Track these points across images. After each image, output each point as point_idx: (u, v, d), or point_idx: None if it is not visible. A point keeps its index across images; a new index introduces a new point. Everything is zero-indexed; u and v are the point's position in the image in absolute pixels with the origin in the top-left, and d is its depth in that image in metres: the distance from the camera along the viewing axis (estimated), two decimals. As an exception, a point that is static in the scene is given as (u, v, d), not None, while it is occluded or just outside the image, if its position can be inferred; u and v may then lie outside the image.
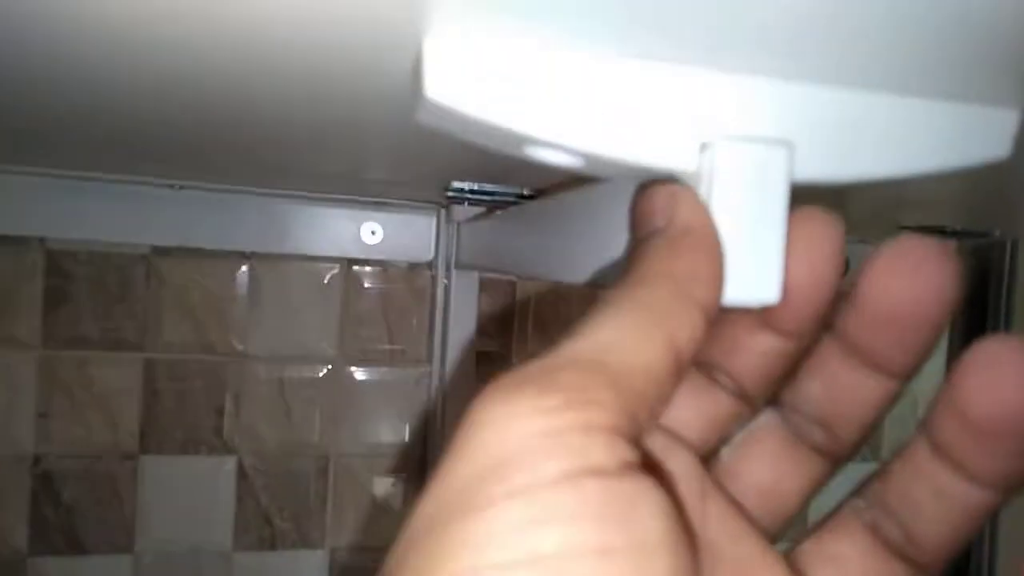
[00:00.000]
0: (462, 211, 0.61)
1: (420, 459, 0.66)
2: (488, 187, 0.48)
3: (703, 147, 0.20)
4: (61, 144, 0.42)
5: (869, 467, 0.19)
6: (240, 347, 0.63)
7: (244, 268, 0.62)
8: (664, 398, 0.15)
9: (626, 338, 0.15)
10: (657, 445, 0.17)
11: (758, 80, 0.20)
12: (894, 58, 0.19)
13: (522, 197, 0.50)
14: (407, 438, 0.66)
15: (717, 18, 0.17)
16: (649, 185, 0.19)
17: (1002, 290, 0.66)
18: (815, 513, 0.20)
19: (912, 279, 0.16)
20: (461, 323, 0.63)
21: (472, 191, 0.47)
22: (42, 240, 0.58)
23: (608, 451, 0.13)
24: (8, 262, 0.57)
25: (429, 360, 0.66)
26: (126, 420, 0.60)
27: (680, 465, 0.17)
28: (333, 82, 0.24)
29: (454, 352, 0.63)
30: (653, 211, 0.17)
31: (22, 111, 0.33)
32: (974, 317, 0.77)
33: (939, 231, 0.60)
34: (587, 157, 0.20)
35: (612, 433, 0.13)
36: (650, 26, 0.18)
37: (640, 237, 0.17)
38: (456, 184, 0.46)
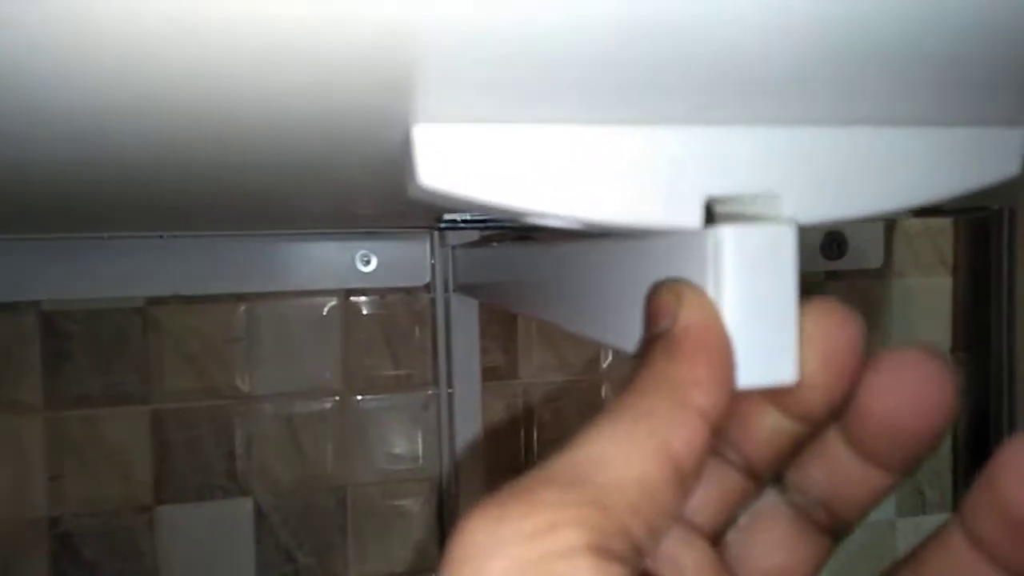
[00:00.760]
0: (456, 234, 0.60)
1: (436, 481, 0.66)
2: (480, 216, 0.47)
3: (708, 226, 0.20)
4: (49, 212, 0.42)
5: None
6: (245, 388, 0.62)
7: (241, 309, 0.62)
8: (666, 509, 0.14)
9: (619, 449, 0.14)
10: (674, 536, 0.17)
11: (756, 129, 0.20)
12: (895, 91, 0.19)
13: (515, 225, 0.50)
14: (421, 462, 0.66)
15: (705, 78, 0.16)
16: (658, 284, 0.18)
17: (1002, 262, 0.66)
18: None
19: (913, 394, 0.16)
20: (464, 342, 0.63)
21: (464, 220, 0.47)
22: (36, 303, 0.57)
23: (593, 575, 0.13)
24: (5, 327, 0.57)
25: (435, 382, 0.66)
26: (138, 472, 0.60)
27: (696, 558, 0.17)
28: (327, 152, 0.24)
29: (459, 372, 0.63)
30: (659, 311, 0.17)
31: (11, 190, 0.32)
32: (976, 290, 0.77)
33: (936, 210, 0.59)
34: (587, 223, 0.20)
35: (598, 555, 0.13)
36: (635, 93, 0.17)
37: (647, 339, 0.17)
38: (448, 216, 0.46)
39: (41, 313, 0.57)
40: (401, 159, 0.19)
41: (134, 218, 0.48)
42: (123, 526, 0.60)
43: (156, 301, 0.60)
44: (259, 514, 0.63)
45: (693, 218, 0.20)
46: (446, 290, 0.62)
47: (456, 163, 0.18)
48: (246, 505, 0.62)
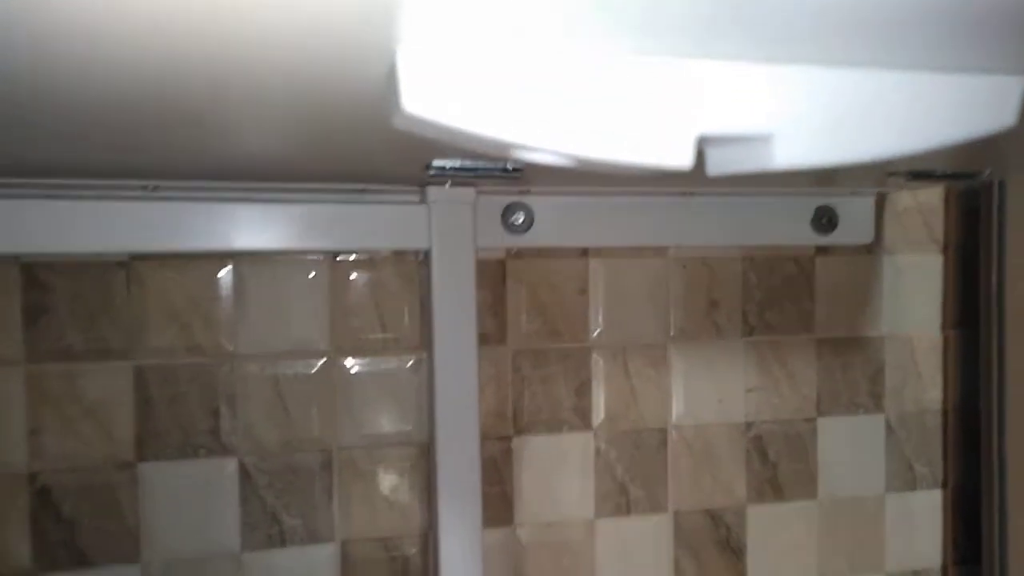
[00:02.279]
0: (440, 192, 0.60)
1: (423, 445, 0.66)
2: (470, 163, 0.46)
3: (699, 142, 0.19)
4: (43, 148, 0.41)
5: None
6: (230, 347, 0.62)
7: (227, 268, 0.61)
8: None
9: None
10: None
11: (753, 67, 0.19)
12: (896, 34, 0.18)
13: (506, 172, 0.49)
14: (408, 425, 0.66)
15: (711, 8, 0.16)
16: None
17: (992, 230, 0.66)
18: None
19: None
20: (454, 306, 0.62)
21: (454, 168, 0.46)
22: (16, 256, 0.56)
23: None
24: (-17, 279, 0.56)
25: (425, 346, 0.65)
26: (120, 429, 0.59)
27: None
28: (309, 83, 0.23)
29: (446, 336, 0.62)
30: None
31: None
32: (966, 258, 0.77)
33: (927, 175, 0.59)
34: (578, 160, 0.19)
35: None
36: (637, 19, 0.16)
37: None
38: (437, 162, 0.45)
39: (21, 265, 0.57)
40: (387, 101, 0.19)
41: (122, 164, 0.47)
42: (103, 482, 0.59)
43: (140, 257, 0.59)
44: (244, 474, 0.62)
45: (684, 157, 0.19)
46: (430, 253, 0.62)
47: (441, 88, 0.17)
48: (231, 465, 0.62)
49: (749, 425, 0.74)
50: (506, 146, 0.19)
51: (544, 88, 0.18)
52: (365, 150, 0.43)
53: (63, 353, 0.58)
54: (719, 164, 0.21)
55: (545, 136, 0.18)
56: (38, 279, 0.57)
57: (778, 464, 0.75)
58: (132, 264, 0.59)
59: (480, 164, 0.47)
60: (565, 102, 0.18)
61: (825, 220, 0.71)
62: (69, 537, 0.59)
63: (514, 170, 0.48)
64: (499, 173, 0.48)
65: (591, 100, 0.19)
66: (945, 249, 0.77)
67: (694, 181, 0.60)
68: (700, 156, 0.21)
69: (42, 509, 0.58)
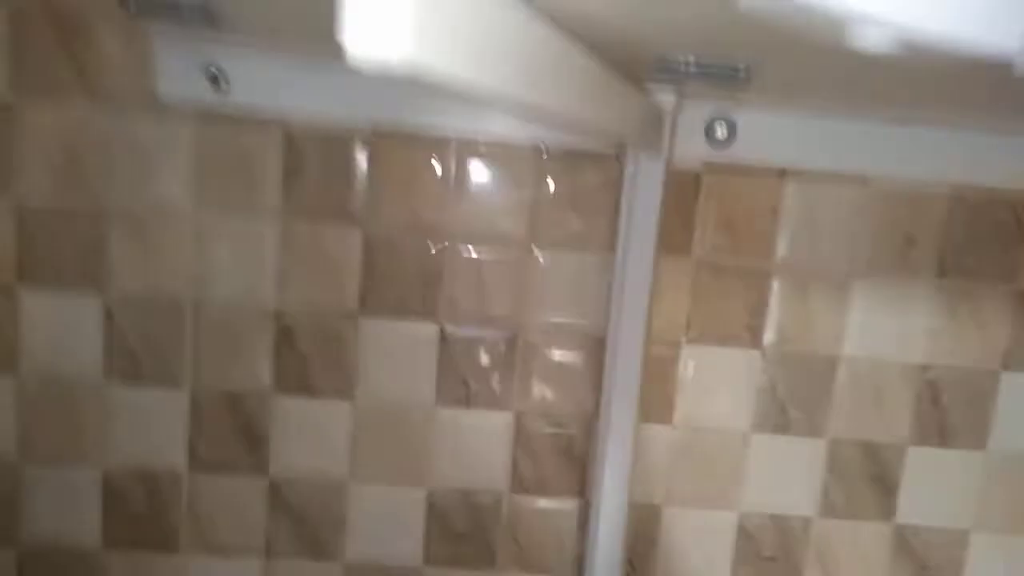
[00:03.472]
0: (653, 91, 0.61)
1: (599, 339, 0.71)
2: (706, 59, 0.47)
3: None
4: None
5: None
6: (445, 227, 0.69)
7: (449, 150, 0.67)
8: None
9: None
10: None
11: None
12: None
13: (734, 71, 0.49)
14: (586, 320, 0.71)
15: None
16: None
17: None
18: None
19: None
20: (640, 211, 0.65)
21: (688, 66, 0.47)
22: (282, 121, 0.65)
23: None
24: (253, 139, 0.66)
25: (613, 248, 0.69)
26: (349, 285, 0.69)
27: None
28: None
29: (630, 240, 0.65)
30: None
31: None
32: None
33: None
34: (912, 37, 0.22)
35: None
36: None
37: None
38: (674, 56, 0.45)
39: (284, 131, 0.66)
40: None
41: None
42: (332, 328, 0.69)
43: (381, 135, 0.66)
44: (443, 340, 0.71)
45: (1013, 42, 0.21)
46: (636, 158, 0.65)
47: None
48: (433, 330, 0.70)
49: (925, 368, 0.73)
50: (844, 19, 0.22)
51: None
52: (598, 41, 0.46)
53: (312, 211, 0.67)
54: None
55: (888, 9, 0.21)
56: (295, 144, 0.66)
57: (949, 410, 0.74)
58: (372, 140, 0.67)
59: (716, 62, 0.47)
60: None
61: (1052, 165, 0.67)
62: (302, 368, 0.70)
63: (744, 70, 0.49)
64: (728, 72, 0.49)
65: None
66: None
67: (915, 105, 0.59)
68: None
69: (283, 342, 0.69)
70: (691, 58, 0.46)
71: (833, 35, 0.22)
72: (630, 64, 0.51)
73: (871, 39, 0.22)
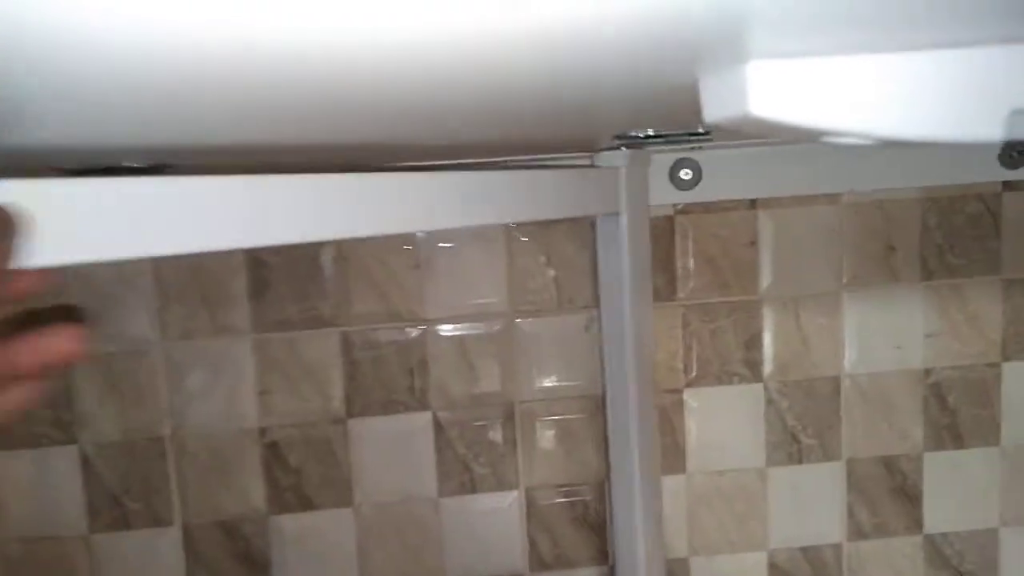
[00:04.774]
0: (607, 157, 0.60)
1: (597, 399, 0.69)
2: (664, 131, 0.47)
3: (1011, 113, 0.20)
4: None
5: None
6: (421, 313, 0.66)
7: (417, 241, 0.65)
8: None
9: None
10: None
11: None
12: None
13: (693, 135, 0.49)
14: (582, 380, 0.69)
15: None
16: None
17: None
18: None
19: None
20: (629, 266, 0.63)
21: (647, 137, 0.46)
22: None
23: None
24: (214, 261, 0.63)
25: (596, 304, 0.68)
26: (333, 389, 0.66)
27: None
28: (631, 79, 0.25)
29: (622, 295, 0.64)
30: None
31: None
32: None
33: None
34: (893, 142, 0.20)
35: None
36: (942, 17, 0.17)
37: None
38: (632, 132, 0.46)
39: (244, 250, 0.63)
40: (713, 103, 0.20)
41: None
42: (321, 436, 0.66)
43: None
44: (438, 427, 0.68)
45: (994, 131, 0.20)
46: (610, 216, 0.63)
47: (783, 94, 0.19)
48: (426, 419, 0.68)
49: (928, 371, 0.72)
50: (826, 134, 0.20)
51: (869, 84, 0.19)
52: (565, 123, 0.45)
53: (283, 323, 0.65)
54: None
55: (872, 124, 0.19)
56: (260, 258, 0.63)
57: (958, 410, 0.72)
58: (338, 243, 0.64)
59: (673, 131, 0.47)
60: (883, 96, 0.19)
61: (1016, 153, 0.67)
62: (296, 483, 0.66)
63: (704, 133, 0.49)
64: (688, 137, 0.49)
65: (911, 90, 0.19)
66: None
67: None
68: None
69: (273, 460, 0.66)
70: (650, 131, 0.45)
71: (809, 139, 0.21)
72: (583, 139, 0.50)
73: (847, 143, 0.21)
